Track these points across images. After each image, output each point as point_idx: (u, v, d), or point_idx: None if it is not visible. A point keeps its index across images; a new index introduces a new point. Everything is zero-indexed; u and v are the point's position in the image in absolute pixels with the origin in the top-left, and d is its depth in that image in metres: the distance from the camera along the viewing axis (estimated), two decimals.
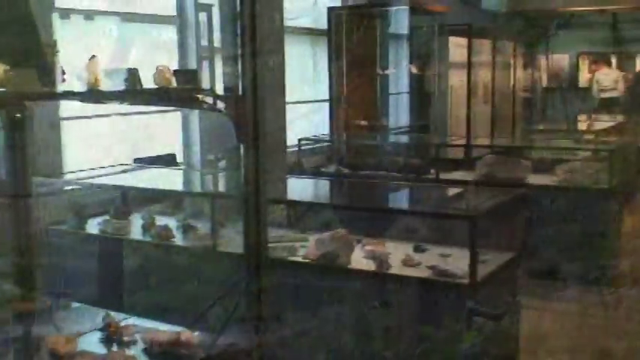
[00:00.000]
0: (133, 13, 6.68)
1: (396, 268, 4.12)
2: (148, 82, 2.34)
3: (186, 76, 2.38)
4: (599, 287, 6.28)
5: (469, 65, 10.91)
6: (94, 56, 2.28)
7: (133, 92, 2.30)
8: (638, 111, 12.38)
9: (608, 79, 14.43)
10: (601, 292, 6.25)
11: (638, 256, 7.38)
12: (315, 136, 8.96)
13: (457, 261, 4.02)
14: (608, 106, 13.92)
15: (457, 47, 10.98)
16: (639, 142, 11.34)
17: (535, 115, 14.82)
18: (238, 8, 1.96)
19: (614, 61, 15.43)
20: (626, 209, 7.71)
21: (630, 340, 5.33)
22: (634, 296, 6.27)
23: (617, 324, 5.66)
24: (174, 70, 2.31)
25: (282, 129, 7.99)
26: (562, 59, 16.66)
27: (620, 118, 11.42)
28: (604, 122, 10.89)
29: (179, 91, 2.33)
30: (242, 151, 2.06)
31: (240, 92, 2.01)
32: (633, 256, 7.24)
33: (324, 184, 6.16)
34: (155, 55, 6.69)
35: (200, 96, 2.30)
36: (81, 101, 2.50)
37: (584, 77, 16.38)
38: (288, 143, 7.95)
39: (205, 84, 7.00)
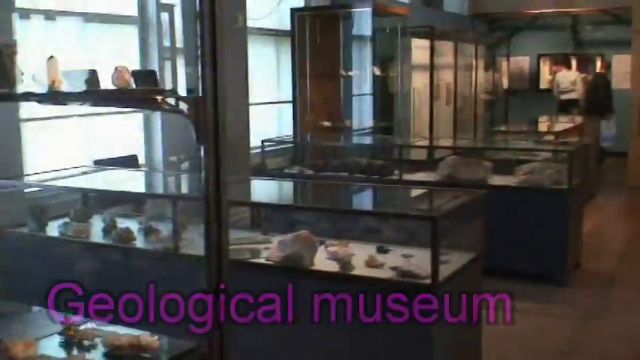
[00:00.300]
0: (94, 13, 6.62)
1: (359, 269, 4.13)
2: (107, 84, 2.32)
3: (145, 77, 2.35)
4: (560, 287, 6.37)
5: (432, 67, 11.01)
6: (52, 57, 2.25)
7: (93, 93, 2.27)
8: (596, 112, 12.56)
9: (567, 80, 14.65)
10: (561, 291, 6.34)
11: (598, 255, 7.50)
12: (287, 136, 8.98)
13: (420, 262, 4.04)
14: (567, 107, 14.13)
15: (420, 49, 11.07)
16: (598, 143, 11.56)
17: (497, 116, 14.98)
18: (198, 8, 1.95)
19: (573, 63, 15.66)
20: (586, 210, 7.83)
21: (591, 340, 5.41)
22: (593, 295, 6.36)
23: (578, 324, 5.74)
24: (133, 71, 2.29)
25: (245, 130, 7.97)
26: (523, 61, 16.87)
27: (578, 119, 11.58)
28: (564, 123, 11.04)
29: (140, 92, 2.31)
30: (202, 152, 2.04)
31: (200, 93, 1.99)
32: (593, 256, 7.36)
33: (288, 186, 6.15)
34: (116, 55, 6.63)
35: (160, 97, 2.27)
36: (39, 103, 2.46)
37: (544, 79, 16.60)
38: (258, 144, 7.94)
39: (168, 85, 6.97)
